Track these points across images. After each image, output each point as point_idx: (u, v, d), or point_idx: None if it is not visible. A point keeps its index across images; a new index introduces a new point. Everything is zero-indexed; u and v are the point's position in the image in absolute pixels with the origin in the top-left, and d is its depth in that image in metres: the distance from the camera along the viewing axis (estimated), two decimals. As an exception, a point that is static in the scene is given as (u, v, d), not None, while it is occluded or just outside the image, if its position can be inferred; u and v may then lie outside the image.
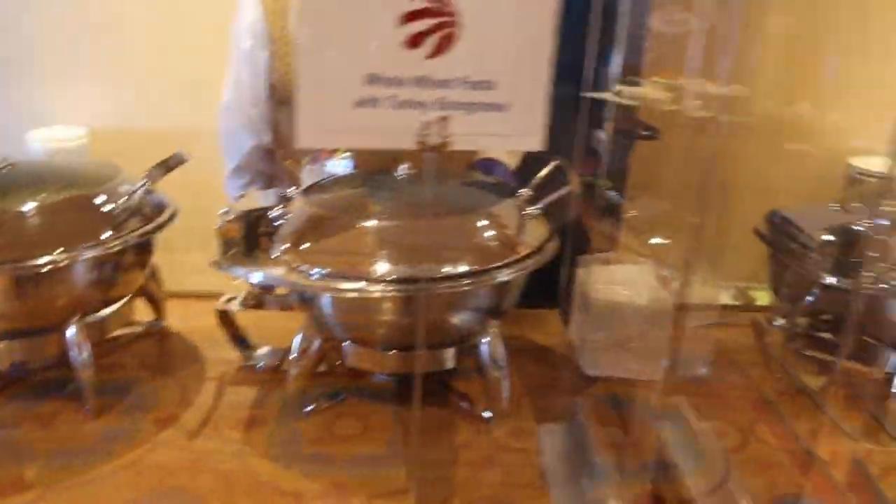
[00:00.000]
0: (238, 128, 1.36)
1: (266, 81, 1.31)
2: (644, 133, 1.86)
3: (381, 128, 0.56)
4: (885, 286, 0.85)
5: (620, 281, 1.01)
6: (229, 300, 0.95)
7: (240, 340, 0.97)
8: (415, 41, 0.55)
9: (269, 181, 1.37)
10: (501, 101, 0.57)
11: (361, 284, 0.78)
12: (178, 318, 1.08)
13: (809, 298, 0.94)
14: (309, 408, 0.89)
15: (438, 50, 0.55)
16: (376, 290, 0.79)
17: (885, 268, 0.87)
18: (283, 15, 1.29)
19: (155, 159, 0.94)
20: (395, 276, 0.79)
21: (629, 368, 0.99)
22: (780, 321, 0.98)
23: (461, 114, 0.57)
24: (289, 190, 0.93)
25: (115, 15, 2.14)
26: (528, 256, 0.86)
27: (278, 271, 0.81)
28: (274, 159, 1.40)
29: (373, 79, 0.55)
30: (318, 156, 1.29)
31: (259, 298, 0.95)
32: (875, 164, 1.95)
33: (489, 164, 1.37)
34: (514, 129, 0.58)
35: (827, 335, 0.99)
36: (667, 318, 0.98)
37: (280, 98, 1.32)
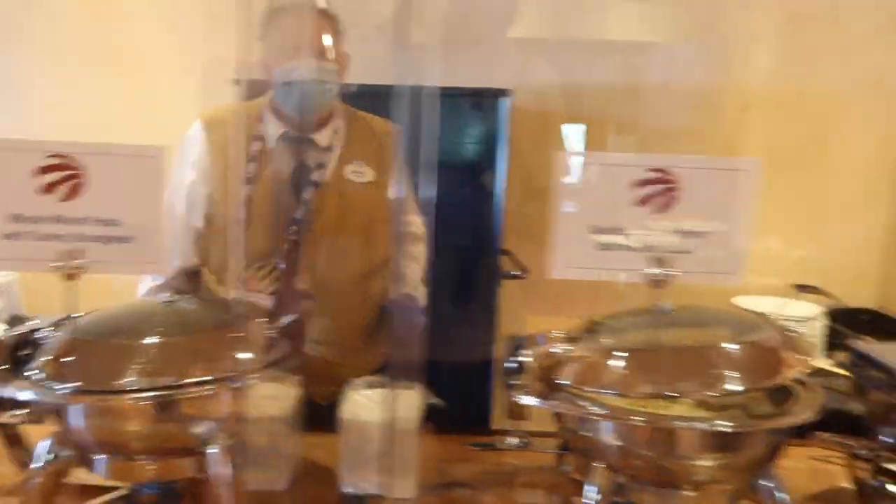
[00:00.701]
0: (167, 251, 1.50)
1: (201, 212, 1.47)
2: (515, 273, 2.00)
3: (24, 256, 0.70)
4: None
5: (380, 401, 1.09)
6: (13, 415, 1.05)
7: (17, 454, 1.06)
8: (49, 188, 0.69)
9: None
10: (127, 235, 0.71)
11: (100, 396, 0.89)
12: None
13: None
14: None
15: (70, 195, 0.70)
16: (113, 400, 0.89)
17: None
18: (226, 152, 1.48)
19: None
20: (136, 387, 0.90)
21: (380, 485, 1.05)
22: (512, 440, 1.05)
23: (96, 245, 0.71)
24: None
25: None
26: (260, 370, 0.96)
27: (26, 386, 0.92)
28: (198, 282, 1.52)
29: (16, 218, 0.69)
30: (248, 283, 1.43)
31: (39, 413, 1.05)
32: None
33: (402, 300, 1.52)
34: (139, 257, 0.71)
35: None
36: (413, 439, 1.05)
37: (216, 228, 1.47)
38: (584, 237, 0.70)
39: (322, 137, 1.48)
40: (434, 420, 1.18)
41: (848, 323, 2.17)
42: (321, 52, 1.40)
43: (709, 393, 0.89)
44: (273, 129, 1.48)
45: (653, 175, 0.69)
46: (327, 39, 1.42)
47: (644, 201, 0.71)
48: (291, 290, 1.45)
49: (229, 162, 1.47)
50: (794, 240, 2.38)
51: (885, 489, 1.08)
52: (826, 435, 1.10)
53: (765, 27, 2.35)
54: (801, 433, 1.09)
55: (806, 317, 2.17)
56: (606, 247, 0.72)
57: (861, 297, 2.39)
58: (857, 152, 2.39)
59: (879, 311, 2.36)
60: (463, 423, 1.28)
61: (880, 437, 1.05)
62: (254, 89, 1.83)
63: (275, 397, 1.01)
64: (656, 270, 0.72)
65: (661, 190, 0.70)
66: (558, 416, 1.04)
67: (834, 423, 1.10)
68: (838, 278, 2.35)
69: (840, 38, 2.31)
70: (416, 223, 1.64)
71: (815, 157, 2.39)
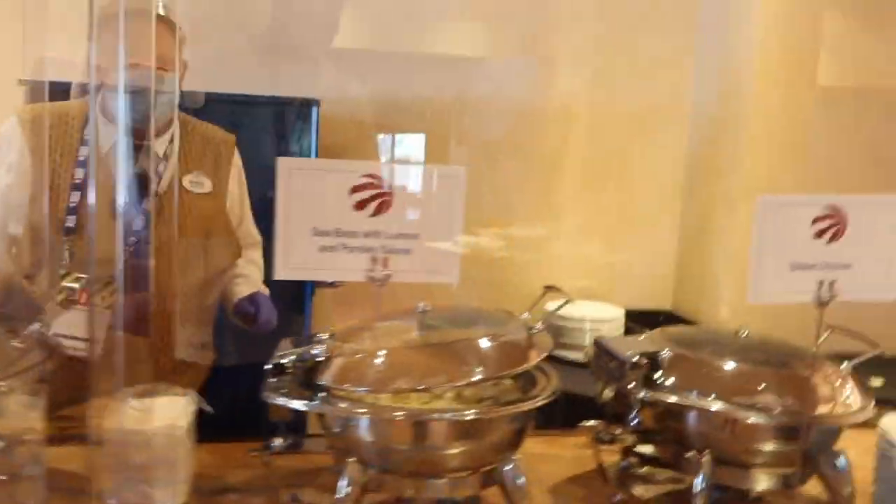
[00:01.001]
0: None
1: (20, 218, 1.36)
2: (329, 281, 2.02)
3: None
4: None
5: (144, 409, 1.07)
6: None
7: None
8: None
9: None
10: None
11: None
12: None
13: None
14: None
15: None
16: None
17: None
18: (46, 154, 1.36)
19: None
20: None
21: (143, 494, 1.03)
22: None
23: None
24: None
25: None
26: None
27: None
28: (16, 291, 1.40)
29: None
30: (80, 295, 1.33)
31: None
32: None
33: (255, 297, 1.53)
34: None
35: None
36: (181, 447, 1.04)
37: (36, 235, 1.36)
38: (307, 240, 0.74)
39: (158, 146, 1.44)
40: (234, 427, 1.18)
41: (645, 323, 2.37)
42: (161, 60, 1.37)
43: (456, 384, 0.95)
44: (105, 135, 1.42)
45: (367, 181, 0.74)
46: (167, 46, 1.39)
47: (361, 206, 0.75)
48: (131, 300, 1.39)
49: (53, 165, 1.39)
50: (608, 246, 2.57)
51: (630, 469, 1.19)
52: (589, 423, 1.20)
53: (580, 48, 2.52)
54: (570, 424, 1.19)
55: (610, 318, 2.35)
56: (328, 249, 0.75)
57: (659, 299, 2.62)
58: (657, 166, 2.62)
59: (673, 311, 2.59)
60: (269, 430, 1.28)
61: (629, 423, 1.15)
62: (43, 91, 1.74)
63: (15, 412, 0.97)
64: (375, 271, 0.77)
65: (375, 195, 0.75)
66: (319, 416, 1.07)
67: (596, 412, 1.20)
68: (639, 283, 2.57)
69: (640, 61, 2.52)
70: (253, 230, 1.65)
71: (622, 171, 2.59)
